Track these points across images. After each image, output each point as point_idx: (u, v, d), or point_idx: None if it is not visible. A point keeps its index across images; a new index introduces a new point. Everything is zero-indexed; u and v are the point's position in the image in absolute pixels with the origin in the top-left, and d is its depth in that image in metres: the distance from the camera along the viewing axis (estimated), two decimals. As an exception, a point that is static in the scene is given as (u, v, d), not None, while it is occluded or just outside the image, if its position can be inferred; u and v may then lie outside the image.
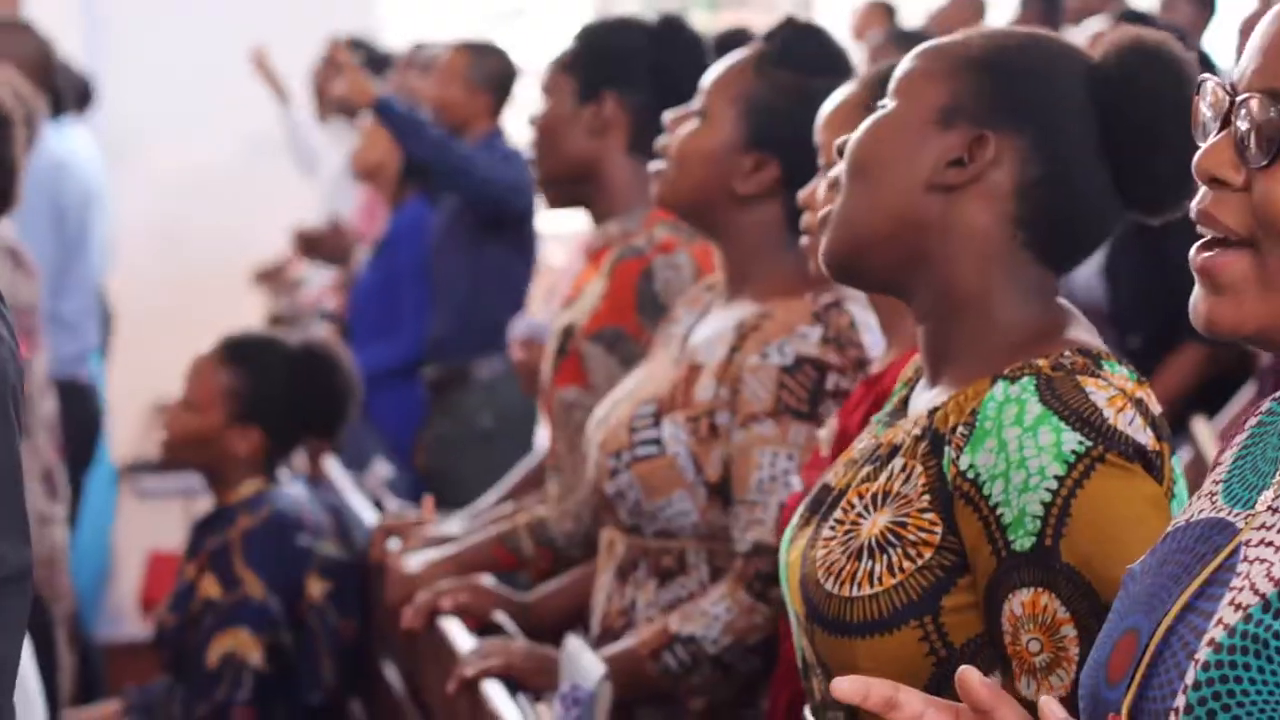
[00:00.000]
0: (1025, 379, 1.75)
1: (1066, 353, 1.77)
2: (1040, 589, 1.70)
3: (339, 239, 7.10)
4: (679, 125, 2.73)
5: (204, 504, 4.08)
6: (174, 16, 9.43)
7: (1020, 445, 1.72)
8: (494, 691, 2.66)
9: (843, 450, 2.29)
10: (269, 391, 3.65)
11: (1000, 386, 1.75)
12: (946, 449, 1.77)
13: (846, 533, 1.83)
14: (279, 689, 3.53)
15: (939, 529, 1.76)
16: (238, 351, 3.69)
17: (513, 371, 4.41)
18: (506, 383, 5.05)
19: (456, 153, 5.31)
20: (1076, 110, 1.84)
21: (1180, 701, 1.33)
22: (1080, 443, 1.70)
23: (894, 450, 1.85)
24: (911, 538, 1.78)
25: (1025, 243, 1.85)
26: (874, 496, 1.83)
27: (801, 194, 2.39)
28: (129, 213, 8.56)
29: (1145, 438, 1.73)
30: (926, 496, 1.78)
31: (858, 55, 8.30)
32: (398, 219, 5.98)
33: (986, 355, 1.81)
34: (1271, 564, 1.33)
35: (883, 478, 1.83)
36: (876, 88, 2.35)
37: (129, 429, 8.26)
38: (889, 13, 8.33)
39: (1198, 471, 3.79)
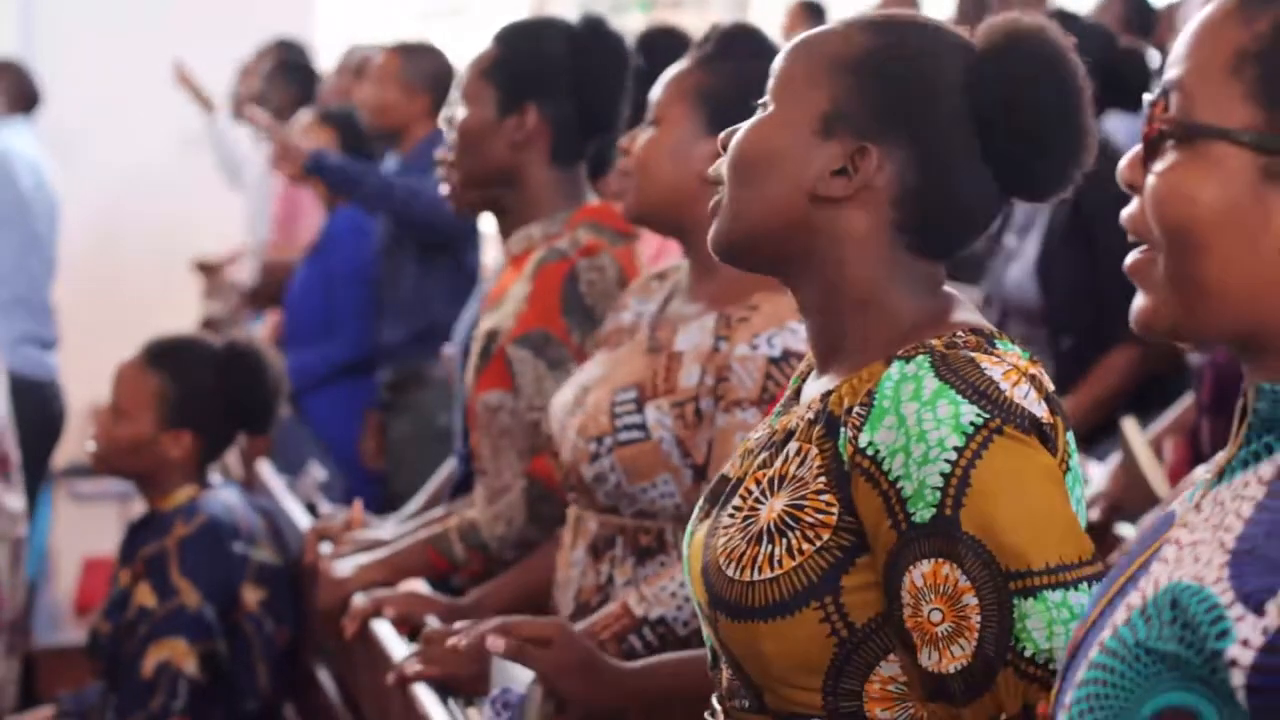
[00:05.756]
0: (920, 357, 1.76)
1: (959, 332, 1.80)
2: (941, 559, 1.70)
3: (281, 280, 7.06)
4: (634, 143, 2.74)
5: (139, 508, 4.05)
6: (109, 15, 9.38)
7: (919, 419, 1.72)
8: (425, 695, 2.66)
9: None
10: (198, 393, 3.64)
11: (896, 366, 1.77)
12: (843, 430, 1.78)
13: (745, 519, 1.84)
14: (214, 697, 3.53)
15: (835, 509, 1.77)
16: (163, 355, 3.67)
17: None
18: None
19: (397, 195, 5.31)
20: (956, 115, 1.84)
21: (1069, 698, 1.36)
22: (978, 415, 1.71)
23: (788, 435, 1.86)
24: (809, 519, 1.78)
25: (907, 245, 1.86)
26: (770, 481, 1.84)
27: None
28: (63, 212, 8.50)
29: (1040, 410, 1.74)
30: (822, 478, 1.79)
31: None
32: (334, 221, 5.96)
33: (877, 343, 1.83)
34: (1168, 565, 1.33)
35: (778, 463, 1.85)
36: None
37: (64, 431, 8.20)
38: (817, 13, 8.34)
39: (1129, 473, 3.82)
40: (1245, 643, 1.22)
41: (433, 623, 2.99)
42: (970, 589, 1.69)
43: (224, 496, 3.69)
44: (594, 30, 3.19)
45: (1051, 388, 1.79)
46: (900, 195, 1.85)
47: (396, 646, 2.87)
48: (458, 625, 2.76)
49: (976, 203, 1.87)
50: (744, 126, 1.90)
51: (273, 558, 3.64)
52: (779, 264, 1.92)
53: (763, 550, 1.80)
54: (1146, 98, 1.40)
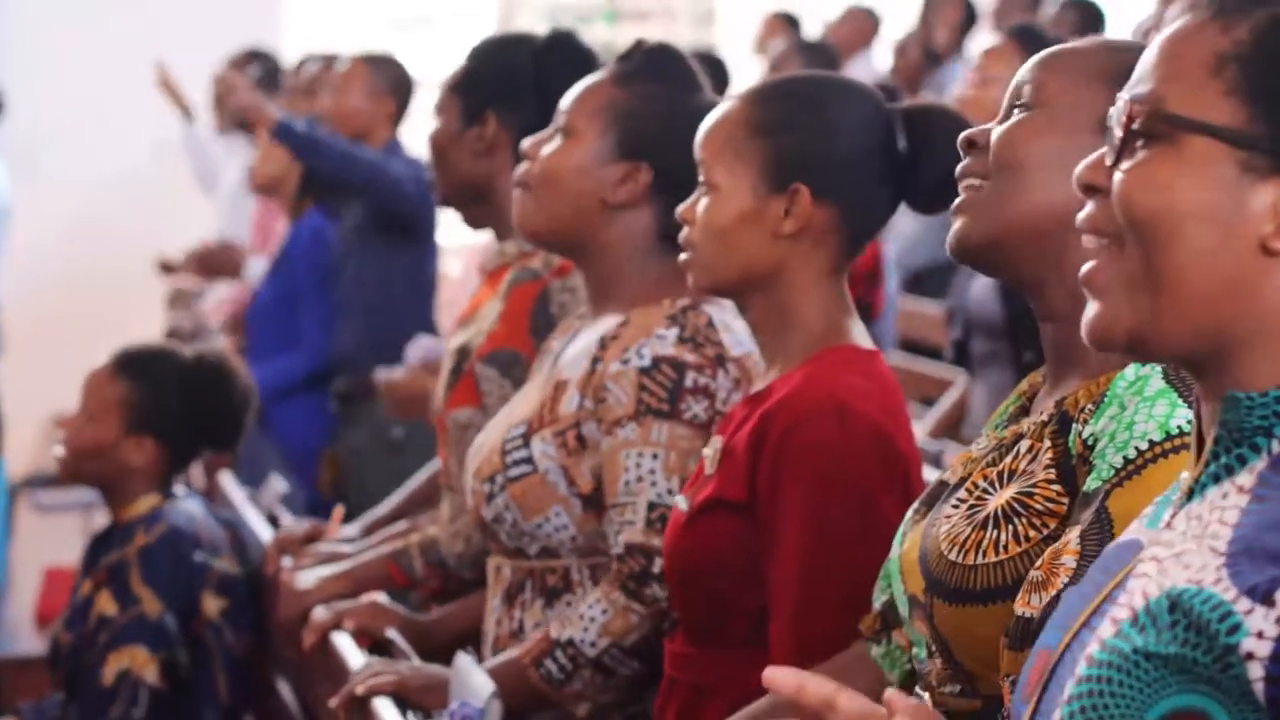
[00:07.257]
0: None
1: None
2: (1075, 526, 1.71)
3: (230, 254, 7.07)
4: (538, 149, 2.73)
5: (103, 518, 4.04)
6: (78, 24, 9.36)
7: (1136, 409, 1.74)
8: (384, 708, 2.65)
9: (732, 467, 2.30)
10: (163, 402, 3.65)
11: (1131, 368, 1.78)
12: (1074, 425, 1.79)
13: (971, 508, 1.85)
14: (174, 706, 3.52)
15: (1066, 500, 1.78)
16: (131, 363, 3.70)
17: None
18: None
19: (363, 160, 5.32)
20: None
21: (1058, 715, 1.34)
22: (1189, 422, 1.71)
23: (1018, 437, 1.87)
24: (1038, 507, 1.79)
25: None
26: (999, 474, 1.85)
27: (680, 209, 2.39)
28: (27, 221, 8.47)
29: None
30: (1053, 470, 1.80)
31: (759, 69, 8.32)
32: (296, 232, 5.95)
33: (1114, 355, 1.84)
34: (1151, 579, 1.33)
35: (1008, 459, 1.86)
36: (759, 103, 2.36)
37: (25, 442, 8.18)
38: (791, 24, 8.36)
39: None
40: (1260, 635, 1.21)
41: (393, 635, 2.99)
42: (1076, 553, 1.69)
43: (187, 507, 3.69)
44: (560, 41, 3.18)
45: None
46: None
47: (356, 658, 2.86)
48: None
49: None
50: (1011, 125, 1.89)
51: (234, 568, 3.64)
52: (1026, 265, 1.89)
53: (988, 535, 1.81)
54: (1121, 99, 1.39)
